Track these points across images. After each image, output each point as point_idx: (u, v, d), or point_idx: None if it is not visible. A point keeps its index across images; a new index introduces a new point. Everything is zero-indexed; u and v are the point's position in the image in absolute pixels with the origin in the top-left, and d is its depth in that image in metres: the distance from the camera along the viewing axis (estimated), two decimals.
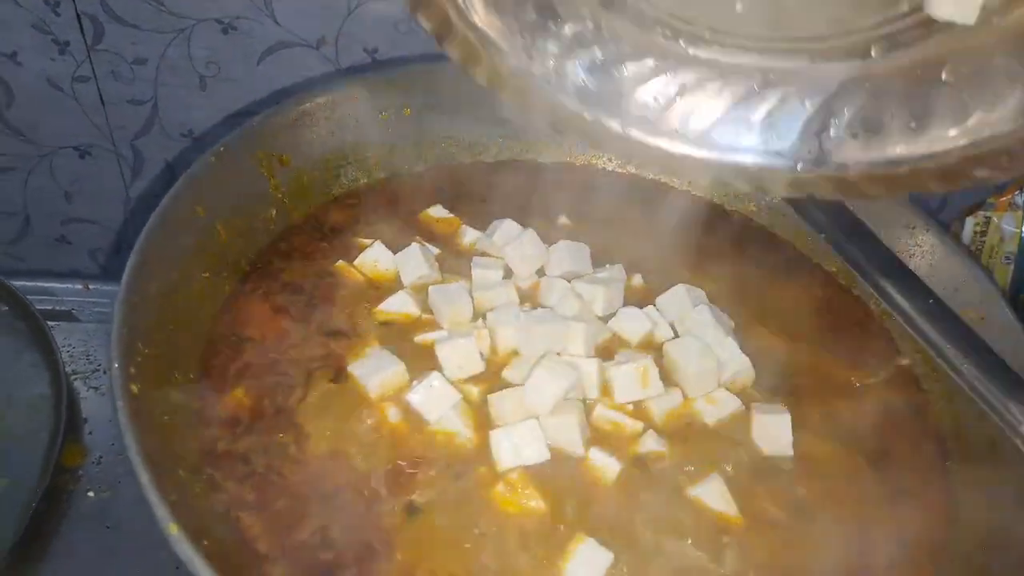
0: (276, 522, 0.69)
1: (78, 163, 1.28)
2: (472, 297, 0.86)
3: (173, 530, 0.56)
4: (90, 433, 0.94)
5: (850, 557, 0.71)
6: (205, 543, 0.58)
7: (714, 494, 0.73)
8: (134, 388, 0.65)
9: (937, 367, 0.81)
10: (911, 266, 0.82)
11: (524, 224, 0.93)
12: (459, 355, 0.80)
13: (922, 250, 0.91)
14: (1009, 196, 1.10)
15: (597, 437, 0.77)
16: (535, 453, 0.74)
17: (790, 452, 0.77)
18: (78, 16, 1.13)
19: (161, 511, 0.57)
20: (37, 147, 1.26)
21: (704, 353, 0.80)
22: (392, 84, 0.98)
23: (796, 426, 0.78)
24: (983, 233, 1.11)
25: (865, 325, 0.93)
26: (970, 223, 1.14)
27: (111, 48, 1.17)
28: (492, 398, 0.77)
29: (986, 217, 1.11)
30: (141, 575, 0.83)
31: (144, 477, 0.59)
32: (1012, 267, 1.10)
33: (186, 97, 1.22)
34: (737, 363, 0.81)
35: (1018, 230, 1.09)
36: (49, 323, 0.96)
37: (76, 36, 1.15)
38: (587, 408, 0.78)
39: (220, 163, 0.84)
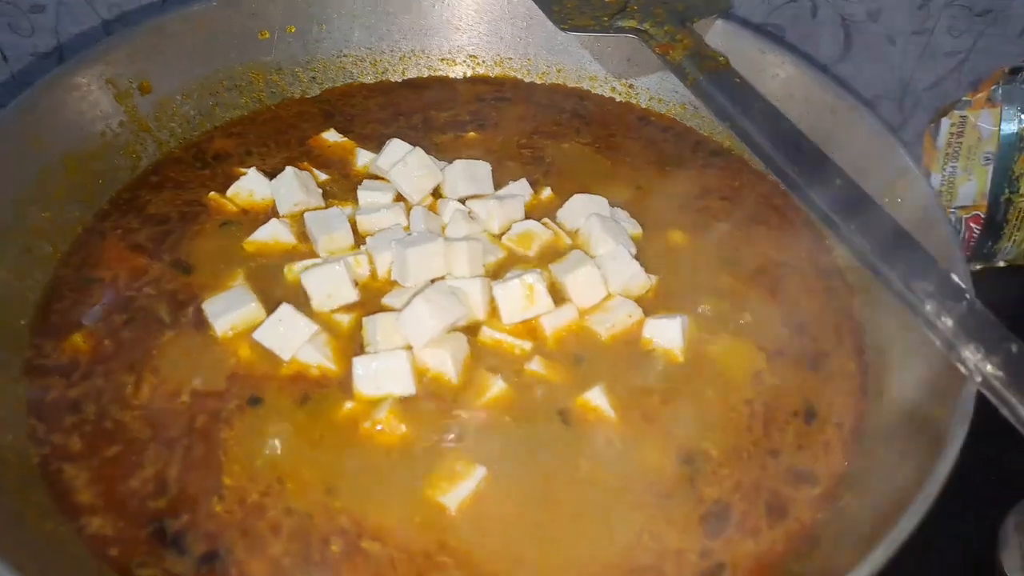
0: (105, 471, 0.62)
1: None
2: (356, 222, 0.77)
3: None
4: None
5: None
6: None
7: (595, 403, 0.66)
8: None
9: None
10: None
11: (425, 142, 0.84)
12: (327, 283, 0.71)
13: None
14: (985, 92, 0.96)
15: (483, 359, 0.69)
16: (399, 386, 0.65)
17: (680, 357, 0.70)
18: None
19: None
20: None
21: (580, 263, 0.72)
22: None
23: (704, 327, 0.72)
24: (959, 134, 0.97)
25: (788, 217, 0.83)
26: (945, 125, 1.00)
27: None
28: (366, 320, 0.69)
29: (962, 117, 0.97)
30: None
31: None
32: (991, 167, 0.96)
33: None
34: (628, 271, 0.73)
35: (996, 128, 0.95)
36: None
37: None
38: (474, 328, 0.70)
39: (56, 93, 0.76)
